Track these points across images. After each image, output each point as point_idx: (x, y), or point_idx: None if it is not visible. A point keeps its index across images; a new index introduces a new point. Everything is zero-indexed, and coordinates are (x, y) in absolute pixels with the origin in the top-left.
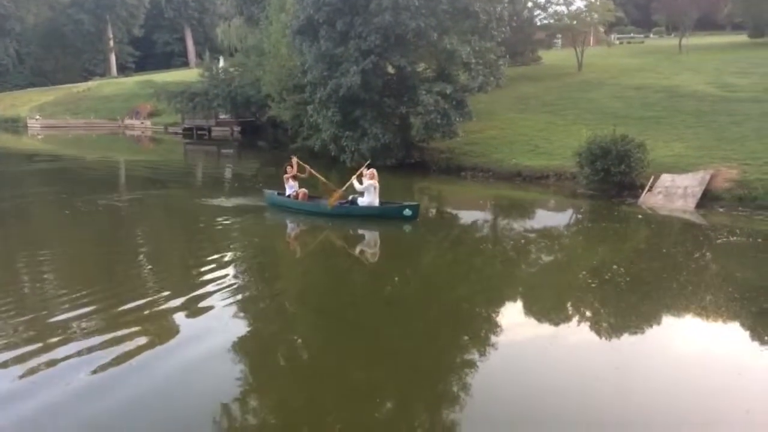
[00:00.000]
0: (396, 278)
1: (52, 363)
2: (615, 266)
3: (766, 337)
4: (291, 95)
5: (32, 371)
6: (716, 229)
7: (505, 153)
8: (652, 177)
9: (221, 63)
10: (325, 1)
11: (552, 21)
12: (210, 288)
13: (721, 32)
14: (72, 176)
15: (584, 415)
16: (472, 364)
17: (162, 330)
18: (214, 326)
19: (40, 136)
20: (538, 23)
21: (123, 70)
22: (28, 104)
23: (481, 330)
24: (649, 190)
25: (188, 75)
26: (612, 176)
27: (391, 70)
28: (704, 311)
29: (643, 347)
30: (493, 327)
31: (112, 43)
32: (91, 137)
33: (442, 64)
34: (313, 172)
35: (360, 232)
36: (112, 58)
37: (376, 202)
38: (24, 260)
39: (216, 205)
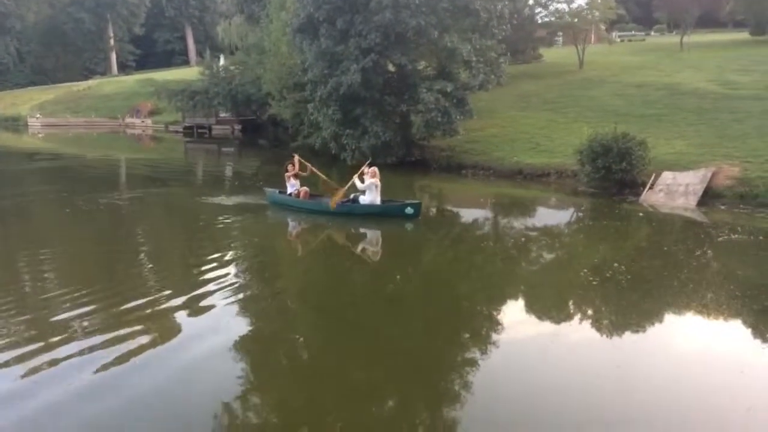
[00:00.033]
0: (397, 276)
1: (53, 362)
2: (616, 264)
3: (767, 335)
4: (291, 93)
5: (34, 371)
6: (718, 226)
7: (506, 151)
8: (654, 175)
9: (222, 61)
10: None
11: (553, 19)
12: (211, 287)
13: (722, 30)
14: (73, 175)
15: (586, 413)
16: (473, 363)
17: (163, 329)
18: (215, 325)
19: (40, 135)
20: (539, 21)
21: (124, 68)
22: (28, 103)
23: (482, 328)
24: (650, 188)
25: (189, 73)
26: (613, 174)
27: (391, 68)
28: (705, 309)
29: (645, 345)
30: (495, 325)
31: (112, 41)
32: (91, 136)
33: (442, 62)
34: (315, 170)
35: (362, 230)
36: (113, 56)
37: (378, 201)
38: (25, 259)
39: (217, 204)
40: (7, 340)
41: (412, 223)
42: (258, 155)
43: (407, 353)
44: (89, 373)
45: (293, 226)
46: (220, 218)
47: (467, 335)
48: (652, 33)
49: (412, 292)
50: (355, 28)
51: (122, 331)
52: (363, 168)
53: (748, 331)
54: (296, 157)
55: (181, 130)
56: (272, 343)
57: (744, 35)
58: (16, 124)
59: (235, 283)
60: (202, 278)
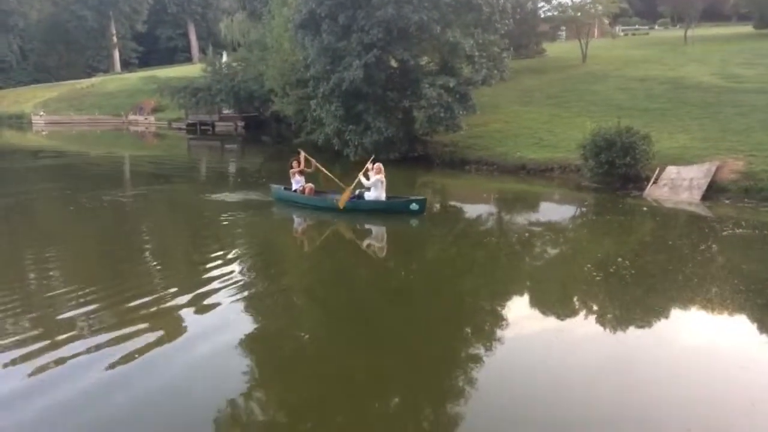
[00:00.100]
0: (402, 273)
1: (60, 361)
2: (620, 259)
3: None
4: (294, 90)
5: (41, 369)
6: (722, 221)
7: (509, 146)
8: (657, 169)
9: (224, 58)
10: None
11: (556, 13)
12: (216, 284)
13: (726, 23)
14: (76, 172)
15: (590, 407)
16: (477, 358)
17: (169, 327)
18: (220, 323)
19: (44, 133)
20: (542, 15)
21: (126, 65)
22: (32, 101)
23: (487, 324)
24: (654, 183)
25: (191, 70)
26: (617, 168)
27: (393, 63)
28: (710, 304)
29: (649, 340)
30: (499, 321)
31: (115, 38)
32: (95, 133)
33: (445, 57)
34: (319, 166)
35: (366, 226)
36: (116, 54)
37: (383, 197)
38: (29, 257)
39: (221, 200)
40: (14, 338)
41: (417, 219)
42: (261, 152)
43: (412, 349)
44: (96, 372)
45: (298, 222)
46: (225, 215)
47: (472, 331)
48: (656, 27)
49: (418, 288)
50: (358, 24)
51: (128, 329)
52: (367, 165)
53: (753, 325)
54: (302, 154)
55: (184, 127)
56: (277, 340)
57: (748, 28)
58: (19, 122)
59: (241, 280)
60: (207, 276)
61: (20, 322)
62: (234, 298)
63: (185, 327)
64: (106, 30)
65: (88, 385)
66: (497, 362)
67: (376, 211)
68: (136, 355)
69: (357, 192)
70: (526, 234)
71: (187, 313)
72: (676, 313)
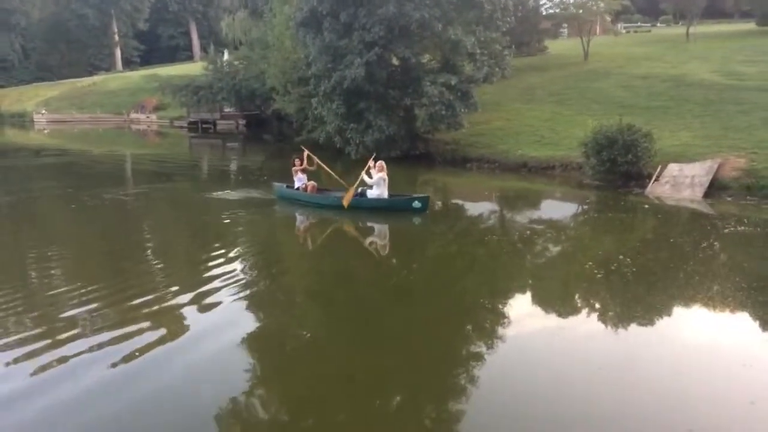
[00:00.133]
0: (404, 271)
1: (63, 360)
2: (621, 256)
3: None
4: (295, 88)
5: (43, 368)
6: (724, 218)
7: (510, 144)
8: (659, 166)
9: (226, 56)
10: None
11: (558, 10)
12: (218, 283)
13: (728, 20)
14: (78, 170)
15: (590, 404)
16: (479, 356)
17: (171, 325)
18: (222, 321)
19: (46, 131)
20: (544, 13)
21: (128, 64)
22: (34, 99)
23: (488, 321)
24: (656, 180)
25: (193, 69)
26: (618, 166)
27: (395, 61)
28: (711, 301)
29: (650, 338)
30: (501, 318)
31: (116, 37)
32: (97, 132)
33: (446, 55)
34: (321, 164)
35: (369, 224)
36: (117, 52)
37: (386, 195)
38: (31, 255)
39: (222, 199)
40: (16, 337)
41: (420, 217)
42: (262, 150)
43: (414, 346)
44: (98, 371)
45: (301, 220)
46: (226, 213)
47: (473, 328)
48: (658, 24)
49: (419, 286)
50: (359, 22)
51: (130, 328)
52: (369, 162)
53: (755, 323)
54: (306, 152)
55: (186, 125)
56: (279, 339)
57: (750, 26)
58: (21, 121)
59: (242, 278)
60: (209, 274)
61: (22, 320)
62: (235, 296)
63: (187, 326)
64: (108, 28)
65: (90, 384)
66: (498, 360)
67: (378, 209)
68: (138, 354)
69: (360, 189)
70: (528, 232)
71: (188, 312)
72: (677, 310)
